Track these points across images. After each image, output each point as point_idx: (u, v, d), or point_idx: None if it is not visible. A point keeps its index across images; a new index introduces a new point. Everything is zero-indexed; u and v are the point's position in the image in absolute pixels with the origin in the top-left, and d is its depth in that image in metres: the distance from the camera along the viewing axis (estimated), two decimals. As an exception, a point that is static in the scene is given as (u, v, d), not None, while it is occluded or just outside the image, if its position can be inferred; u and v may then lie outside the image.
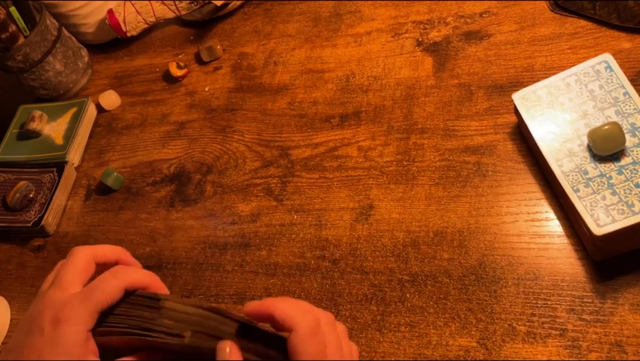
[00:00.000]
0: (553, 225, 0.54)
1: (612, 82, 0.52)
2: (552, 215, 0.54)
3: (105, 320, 0.38)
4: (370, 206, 0.61)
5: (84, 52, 0.93)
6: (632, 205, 0.46)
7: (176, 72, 0.84)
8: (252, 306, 0.36)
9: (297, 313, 0.35)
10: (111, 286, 0.38)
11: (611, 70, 0.53)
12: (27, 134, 0.84)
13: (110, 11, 0.87)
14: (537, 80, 0.56)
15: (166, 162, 0.77)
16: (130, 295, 0.39)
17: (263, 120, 0.75)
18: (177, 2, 0.87)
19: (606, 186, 0.47)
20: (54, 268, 0.42)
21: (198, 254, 0.66)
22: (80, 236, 0.74)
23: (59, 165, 0.78)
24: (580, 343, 0.47)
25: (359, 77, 0.73)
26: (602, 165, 0.49)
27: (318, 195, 0.64)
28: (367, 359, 0.52)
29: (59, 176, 0.77)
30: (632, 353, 0.45)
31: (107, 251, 0.42)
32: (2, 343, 0.68)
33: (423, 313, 0.53)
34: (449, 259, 0.55)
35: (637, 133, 0.49)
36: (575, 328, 0.48)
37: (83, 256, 0.40)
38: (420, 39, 0.73)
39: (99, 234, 0.73)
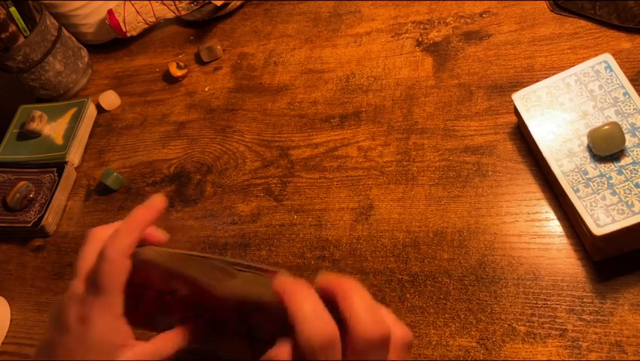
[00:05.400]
0: (553, 225, 0.54)
1: (612, 82, 0.52)
2: (552, 215, 0.54)
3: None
4: (370, 206, 0.61)
5: (84, 52, 0.93)
6: (632, 205, 0.46)
7: (176, 72, 0.84)
8: (327, 280, 0.31)
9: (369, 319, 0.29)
10: (110, 274, 0.34)
11: (611, 70, 0.53)
12: (27, 134, 0.84)
13: (110, 11, 0.87)
14: (537, 80, 0.56)
15: (166, 162, 0.77)
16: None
17: (263, 120, 0.75)
18: (177, 2, 0.87)
19: (606, 186, 0.47)
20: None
21: (198, 254, 0.66)
22: (80, 236, 0.74)
23: (59, 165, 0.78)
24: (580, 343, 0.47)
25: (359, 77, 0.73)
26: (602, 165, 0.49)
27: (318, 196, 0.64)
28: (367, 359, 0.52)
29: (59, 176, 0.77)
30: (631, 353, 0.45)
31: (124, 227, 0.38)
32: (2, 343, 0.68)
33: (423, 314, 0.53)
34: (449, 259, 0.55)
35: (637, 133, 0.49)
36: (575, 328, 0.48)
37: (93, 247, 0.37)
38: (420, 39, 0.73)
39: (98, 234, 0.73)
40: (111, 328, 0.34)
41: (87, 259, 0.37)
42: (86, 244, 0.38)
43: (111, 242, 0.36)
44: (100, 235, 0.38)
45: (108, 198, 0.77)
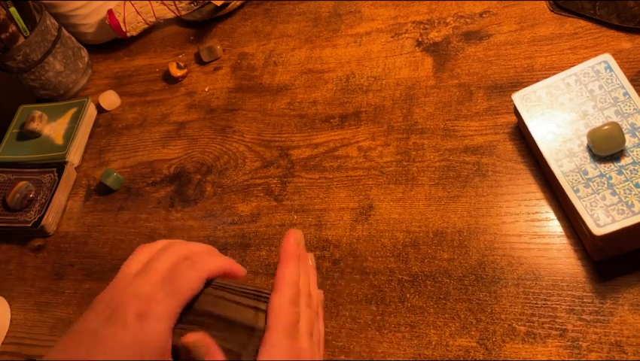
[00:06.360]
0: (553, 225, 0.54)
1: (612, 82, 0.52)
2: (552, 215, 0.54)
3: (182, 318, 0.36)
4: (370, 206, 0.61)
5: (84, 52, 0.93)
6: (632, 205, 0.46)
7: (176, 72, 0.84)
8: (284, 247, 0.39)
9: (287, 280, 0.37)
10: (193, 279, 0.36)
11: (611, 70, 0.53)
12: (27, 134, 0.84)
13: (110, 11, 0.87)
14: (537, 80, 0.56)
15: (166, 162, 0.77)
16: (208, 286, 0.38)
17: (263, 120, 0.75)
18: (177, 2, 0.87)
19: (606, 186, 0.47)
20: (136, 252, 0.39)
21: (198, 254, 0.66)
22: (80, 236, 0.74)
23: (59, 165, 0.78)
24: (580, 343, 0.47)
25: (359, 78, 0.73)
26: (602, 165, 0.49)
27: (318, 196, 0.64)
28: (367, 359, 0.52)
29: (59, 176, 0.77)
30: (631, 353, 0.45)
31: (202, 250, 0.40)
32: (2, 343, 0.68)
33: (423, 314, 0.53)
34: (449, 260, 0.55)
35: (637, 133, 0.49)
36: (575, 328, 0.48)
37: (179, 254, 0.38)
38: (420, 39, 0.73)
39: (98, 234, 0.73)
40: (164, 333, 0.34)
41: (167, 261, 0.37)
42: (167, 249, 0.38)
43: (207, 259, 0.38)
44: (179, 246, 0.39)
45: (108, 198, 0.77)
